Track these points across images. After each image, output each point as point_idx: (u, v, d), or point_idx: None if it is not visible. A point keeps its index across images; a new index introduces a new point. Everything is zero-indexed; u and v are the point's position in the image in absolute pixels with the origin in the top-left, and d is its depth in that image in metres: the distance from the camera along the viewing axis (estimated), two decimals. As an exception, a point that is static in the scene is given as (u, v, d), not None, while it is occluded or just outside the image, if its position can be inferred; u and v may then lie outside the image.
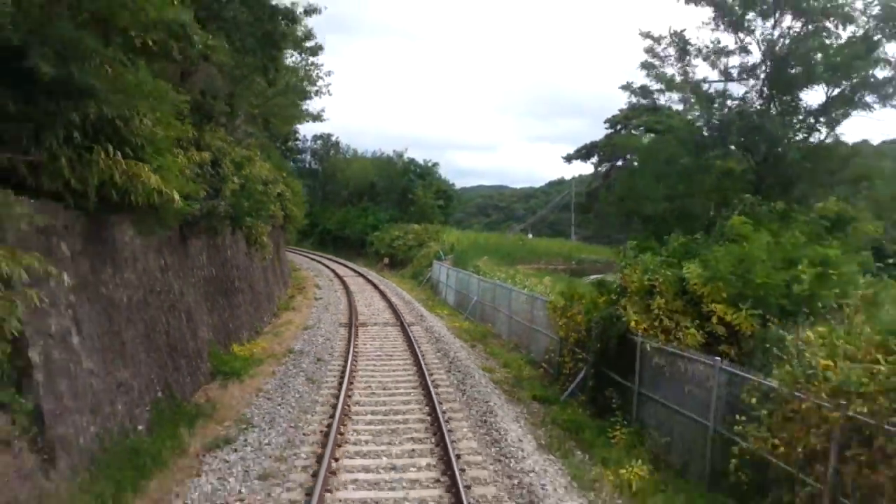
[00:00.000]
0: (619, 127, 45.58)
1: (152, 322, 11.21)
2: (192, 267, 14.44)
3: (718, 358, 8.42)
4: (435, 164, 60.99)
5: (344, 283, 32.02)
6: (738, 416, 7.52)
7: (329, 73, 35.25)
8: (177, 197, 8.63)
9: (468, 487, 7.62)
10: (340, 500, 7.29)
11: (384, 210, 56.70)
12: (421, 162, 61.10)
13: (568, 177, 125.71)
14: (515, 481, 8.08)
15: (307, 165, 72.44)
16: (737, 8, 17.19)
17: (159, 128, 9.11)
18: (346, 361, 14.09)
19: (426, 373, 13.14)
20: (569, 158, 42.33)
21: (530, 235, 48.17)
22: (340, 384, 12.13)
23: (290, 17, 13.88)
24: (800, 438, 6.65)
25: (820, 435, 6.39)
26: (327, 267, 41.56)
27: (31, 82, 7.10)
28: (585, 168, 65.19)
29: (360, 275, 37.23)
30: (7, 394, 6.88)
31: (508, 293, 19.38)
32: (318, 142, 71.96)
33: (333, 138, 71.89)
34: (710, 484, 8.18)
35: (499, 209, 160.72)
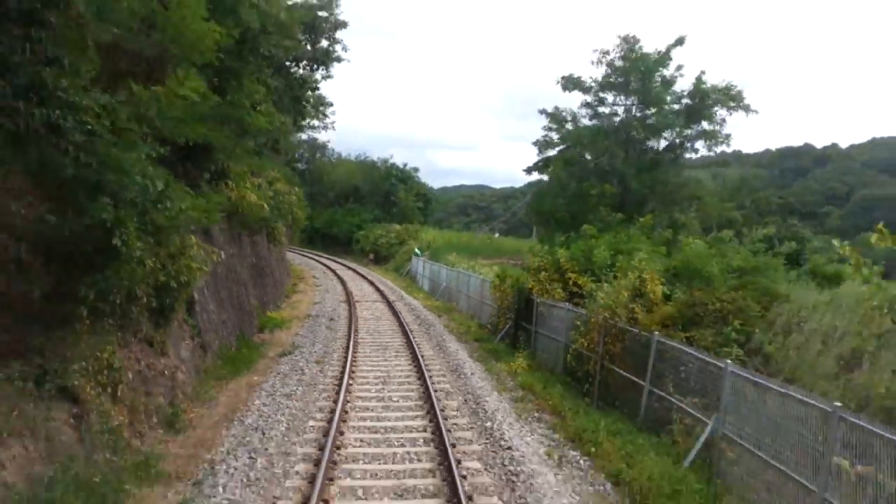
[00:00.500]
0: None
1: (231, 289, 17.91)
2: (244, 256, 21.13)
3: (568, 304, 15.32)
4: (415, 169, 67.88)
5: (337, 274, 38.71)
6: (572, 333, 14.42)
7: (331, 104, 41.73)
8: (266, 207, 15.40)
9: (428, 367, 14.41)
10: (359, 375, 14.04)
11: (368, 211, 63.30)
12: (402, 166, 67.97)
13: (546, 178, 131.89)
14: (454, 368, 14.93)
15: (294, 168, 78.68)
16: (600, 93, 24.60)
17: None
18: (349, 320, 20.87)
19: (405, 325, 19.98)
20: (528, 170, 48.90)
21: (497, 234, 55.19)
22: (349, 330, 18.89)
23: (312, 85, 20.54)
24: (591, 337, 13.54)
25: (597, 332, 13.29)
26: (319, 262, 48.16)
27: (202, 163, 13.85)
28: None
29: (350, 268, 43.94)
30: (187, 317, 13.58)
31: (468, 278, 26.27)
32: (305, 145, 78.22)
33: (319, 142, 78.08)
34: (561, 372, 15.06)
35: (479, 209, 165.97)
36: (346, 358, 14.98)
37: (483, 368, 15.44)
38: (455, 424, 10.60)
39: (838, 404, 6.69)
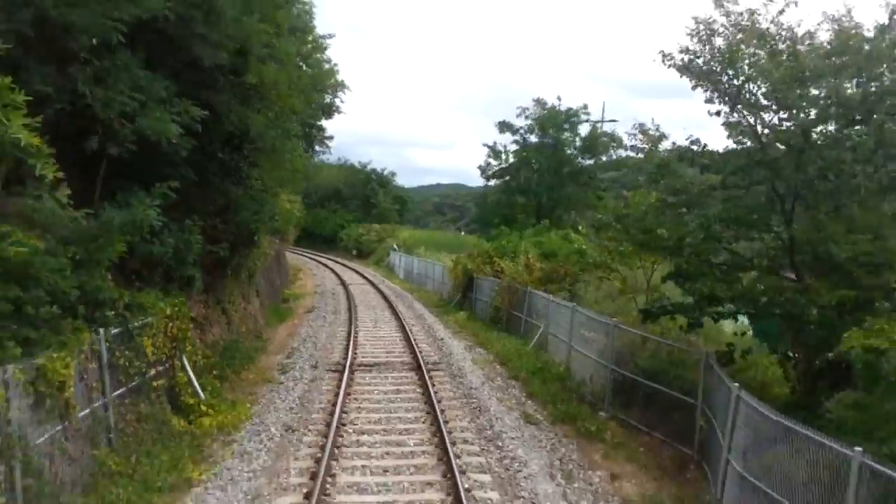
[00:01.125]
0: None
1: (265, 271, 26.71)
2: (268, 250, 29.88)
3: (492, 277, 24.39)
4: (392, 174, 76.83)
5: (327, 266, 47.50)
6: (493, 294, 23.49)
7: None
8: (298, 214, 24.22)
9: (402, 316, 23.38)
10: (360, 320, 22.92)
11: (350, 212, 71.95)
12: (381, 171, 76.77)
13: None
14: (419, 317, 23.95)
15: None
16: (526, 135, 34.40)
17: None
18: (347, 295, 29.74)
19: (387, 297, 28.97)
20: (488, 178, 58.01)
21: (462, 233, 64.31)
22: (348, 300, 27.77)
23: (321, 131, 29.33)
24: (503, 295, 22.62)
25: (505, 292, 22.37)
26: (310, 258, 56.84)
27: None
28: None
29: (338, 262, 52.76)
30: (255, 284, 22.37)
31: (433, 266, 35.30)
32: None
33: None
34: (487, 320, 24.09)
35: (454, 208, 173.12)
36: (350, 313, 23.93)
37: (438, 319, 24.46)
38: (417, 338, 19.56)
39: (574, 305, 15.84)
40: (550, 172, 31.23)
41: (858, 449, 5.76)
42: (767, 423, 7.33)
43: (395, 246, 51.56)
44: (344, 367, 14.97)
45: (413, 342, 18.20)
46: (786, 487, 6.83)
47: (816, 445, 6.37)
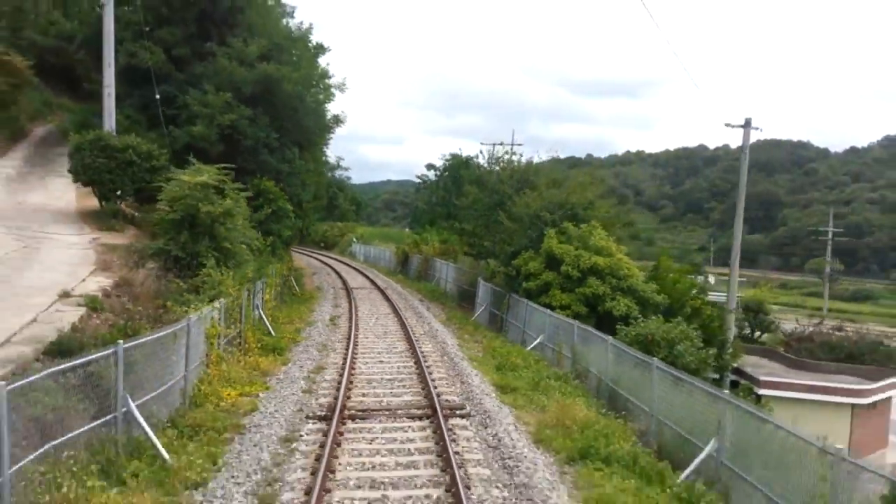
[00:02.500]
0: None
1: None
2: (284, 240, 50.71)
3: (417, 255, 45.88)
4: (348, 178, 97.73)
5: (307, 254, 68.25)
6: (419, 264, 44.94)
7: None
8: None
9: (370, 277, 44.72)
10: (348, 275, 44.05)
11: (315, 212, 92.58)
12: (339, 177, 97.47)
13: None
14: (377, 277, 45.36)
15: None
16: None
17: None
18: (334, 269, 50.86)
19: (357, 269, 50.34)
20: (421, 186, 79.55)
21: (407, 230, 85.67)
22: (335, 271, 48.91)
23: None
24: (422, 263, 44.07)
25: (423, 261, 43.87)
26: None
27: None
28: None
29: (312, 253, 73.63)
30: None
31: (384, 251, 56.81)
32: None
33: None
34: (415, 278, 45.54)
35: (404, 205, 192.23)
36: (340, 276, 45.10)
37: (388, 277, 45.82)
38: (377, 282, 40.69)
39: (448, 263, 37.57)
40: (452, 193, 52.43)
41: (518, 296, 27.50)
42: (489, 289, 28.83)
43: (355, 239, 72.64)
44: (348, 290, 36.09)
45: (375, 282, 39.42)
46: (491, 303, 28.55)
47: (516, 299, 28.01)
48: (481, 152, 55.43)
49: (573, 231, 22.73)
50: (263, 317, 20.70)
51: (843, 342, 32.92)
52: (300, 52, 30.03)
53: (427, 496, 8.60)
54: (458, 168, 48.90)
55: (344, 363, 16.68)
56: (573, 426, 11.37)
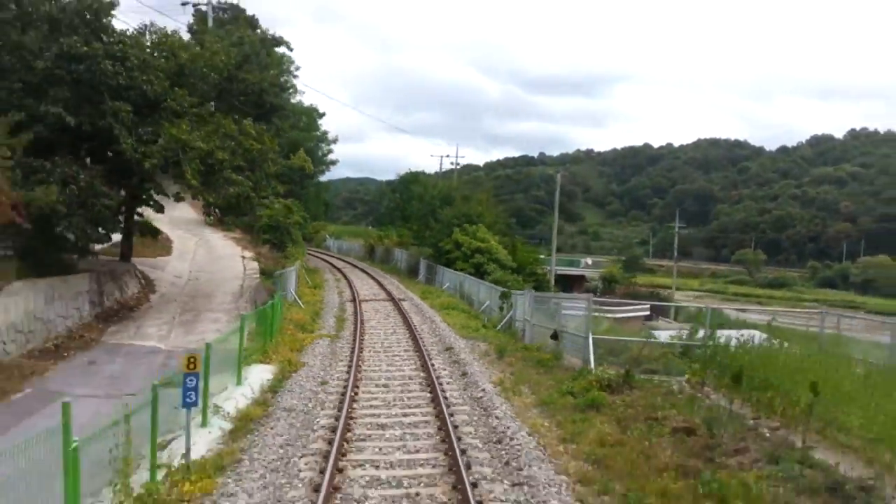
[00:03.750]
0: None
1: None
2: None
3: (381, 246, 66.69)
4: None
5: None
6: (382, 253, 65.74)
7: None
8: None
9: (352, 263, 65.44)
10: (346, 273, 64.61)
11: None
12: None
13: (429, 170, 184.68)
14: (356, 263, 66.12)
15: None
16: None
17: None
18: (323, 258, 71.44)
19: (338, 256, 71.02)
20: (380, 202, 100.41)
21: (371, 227, 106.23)
22: (328, 262, 69.48)
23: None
24: (385, 252, 64.88)
25: (384, 251, 64.67)
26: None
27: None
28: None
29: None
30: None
31: (353, 245, 77.54)
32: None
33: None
34: (382, 263, 66.37)
35: (364, 202, 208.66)
36: (329, 263, 65.67)
37: (360, 262, 66.49)
38: (355, 265, 61.31)
39: (402, 251, 58.66)
40: (405, 201, 72.91)
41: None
42: (425, 263, 49.74)
43: (328, 235, 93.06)
44: (339, 269, 56.59)
45: (354, 265, 59.99)
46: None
47: (439, 267, 49.04)
48: (437, 160, 76.19)
49: (469, 229, 43.61)
50: (305, 274, 41.18)
51: (636, 293, 55.03)
52: (308, 121, 50.52)
53: (389, 317, 29.28)
54: (410, 183, 69.71)
55: (352, 291, 37.24)
56: (449, 305, 32.31)
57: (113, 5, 20.14)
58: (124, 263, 25.25)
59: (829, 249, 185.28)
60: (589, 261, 71.27)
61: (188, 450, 9.70)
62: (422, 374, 16.79)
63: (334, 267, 57.44)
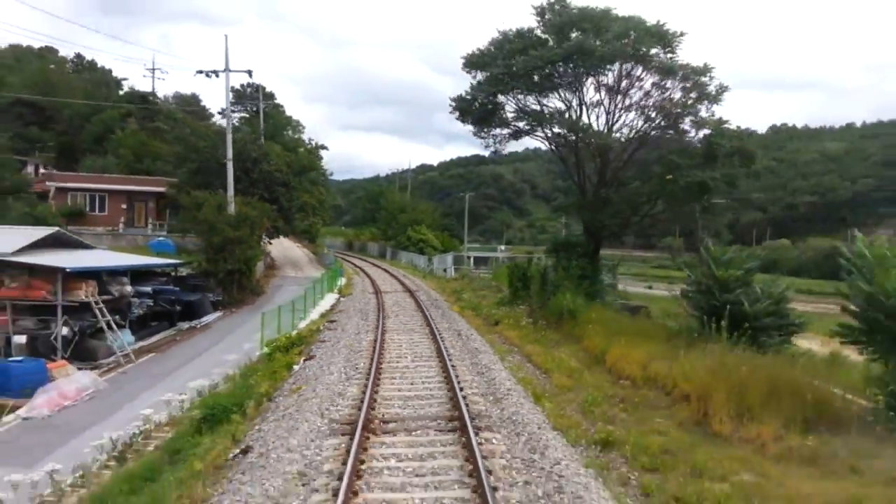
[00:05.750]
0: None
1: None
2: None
3: (361, 241, 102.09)
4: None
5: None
6: (361, 246, 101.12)
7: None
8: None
9: (340, 251, 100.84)
10: (354, 260, 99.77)
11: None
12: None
13: (383, 174, 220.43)
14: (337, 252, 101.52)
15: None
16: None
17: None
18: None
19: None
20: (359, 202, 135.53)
21: (343, 227, 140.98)
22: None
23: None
24: (362, 246, 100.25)
25: (359, 245, 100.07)
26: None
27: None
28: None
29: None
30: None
31: (334, 241, 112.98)
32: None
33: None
34: (377, 257, 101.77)
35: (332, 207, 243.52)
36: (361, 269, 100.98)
37: (345, 253, 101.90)
38: (344, 254, 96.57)
39: (384, 244, 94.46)
40: (375, 208, 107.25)
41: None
42: (389, 250, 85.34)
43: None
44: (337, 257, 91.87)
45: (343, 254, 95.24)
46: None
47: (398, 251, 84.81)
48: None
49: (416, 227, 79.48)
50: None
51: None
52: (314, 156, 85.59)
53: (379, 271, 64.73)
54: (378, 196, 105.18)
55: (354, 265, 72.68)
56: (405, 268, 68.28)
57: (267, 155, 55.43)
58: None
59: (744, 236, 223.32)
60: (503, 247, 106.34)
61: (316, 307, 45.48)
62: (399, 282, 52.24)
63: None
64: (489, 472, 10.07)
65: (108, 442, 18.08)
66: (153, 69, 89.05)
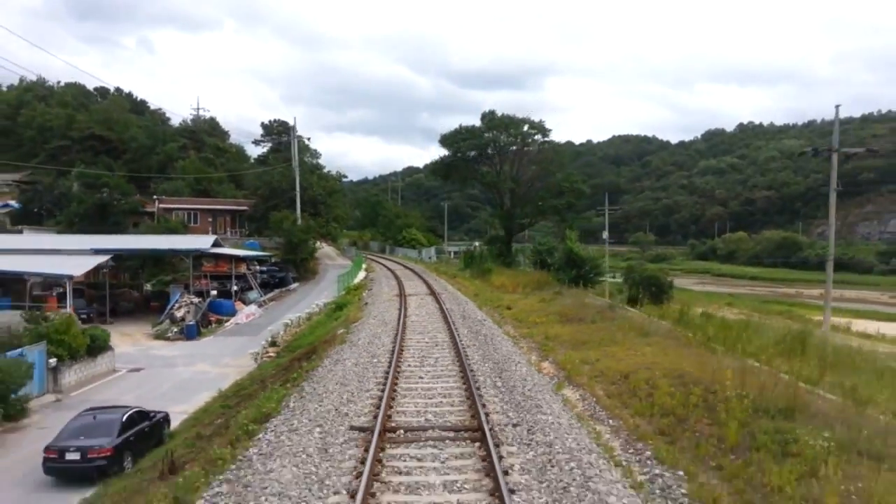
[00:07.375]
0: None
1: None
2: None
3: (374, 242, 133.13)
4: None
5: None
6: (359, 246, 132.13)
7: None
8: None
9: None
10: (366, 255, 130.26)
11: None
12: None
13: (371, 176, 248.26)
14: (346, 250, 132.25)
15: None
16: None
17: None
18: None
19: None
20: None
21: (345, 230, 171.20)
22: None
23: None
24: (360, 245, 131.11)
25: (360, 245, 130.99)
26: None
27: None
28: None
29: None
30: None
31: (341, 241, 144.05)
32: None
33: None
34: (377, 252, 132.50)
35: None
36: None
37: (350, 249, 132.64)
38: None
39: (378, 243, 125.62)
40: (376, 213, 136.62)
41: None
42: (387, 247, 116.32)
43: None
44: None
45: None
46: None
47: (396, 248, 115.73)
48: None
49: (410, 230, 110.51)
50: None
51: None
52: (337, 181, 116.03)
53: (389, 262, 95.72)
54: (376, 207, 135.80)
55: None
56: (403, 260, 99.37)
57: (312, 185, 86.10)
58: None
59: (707, 230, 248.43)
60: (476, 244, 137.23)
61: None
62: (401, 265, 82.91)
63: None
64: (448, 314, 41.04)
65: (291, 320, 48.49)
66: (197, 108, 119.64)
